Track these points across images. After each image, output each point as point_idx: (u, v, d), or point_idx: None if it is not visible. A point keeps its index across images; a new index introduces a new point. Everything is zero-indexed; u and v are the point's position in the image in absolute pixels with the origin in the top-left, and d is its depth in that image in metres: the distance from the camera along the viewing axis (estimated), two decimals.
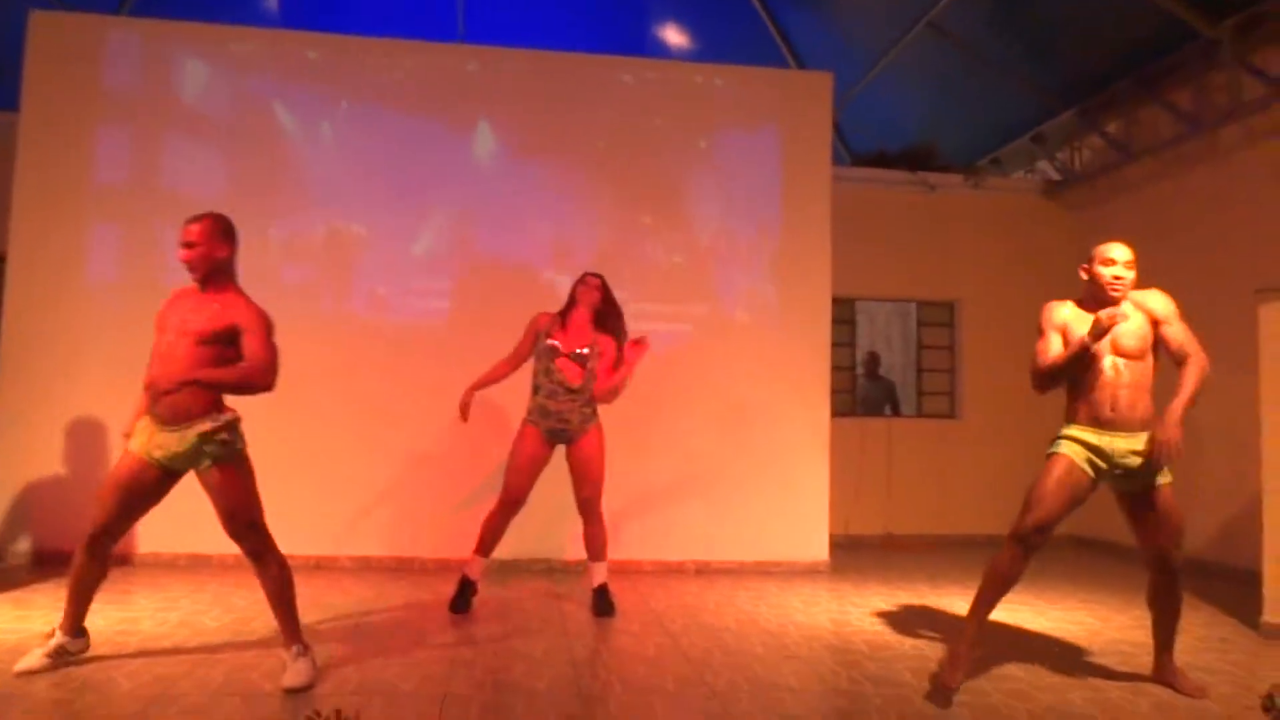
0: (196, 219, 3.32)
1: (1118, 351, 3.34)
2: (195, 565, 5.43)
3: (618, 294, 4.72)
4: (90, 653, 3.47)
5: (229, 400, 3.33)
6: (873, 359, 8.60)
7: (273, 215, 5.80)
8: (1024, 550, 3.32)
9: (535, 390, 4.56)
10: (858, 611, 4.87)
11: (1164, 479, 3.39)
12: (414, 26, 7.07)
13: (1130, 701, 3.38)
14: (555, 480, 4.61)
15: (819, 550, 6.11)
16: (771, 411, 6.14)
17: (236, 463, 3.29)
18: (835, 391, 6.57)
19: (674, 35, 8.24)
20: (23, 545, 5.46)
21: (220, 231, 3.33)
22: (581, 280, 4.66)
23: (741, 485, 6.06)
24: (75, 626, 3.41)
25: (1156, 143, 6.87)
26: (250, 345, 3.23)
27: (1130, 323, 3.32)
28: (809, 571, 5.98)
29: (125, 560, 5.35)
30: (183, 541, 5.38)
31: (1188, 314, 3.43)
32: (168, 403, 3.21)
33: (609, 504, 4.71)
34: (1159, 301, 3.41)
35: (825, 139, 6.47)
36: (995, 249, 8.03)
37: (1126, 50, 6.61)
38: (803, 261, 6.28)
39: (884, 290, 8.24)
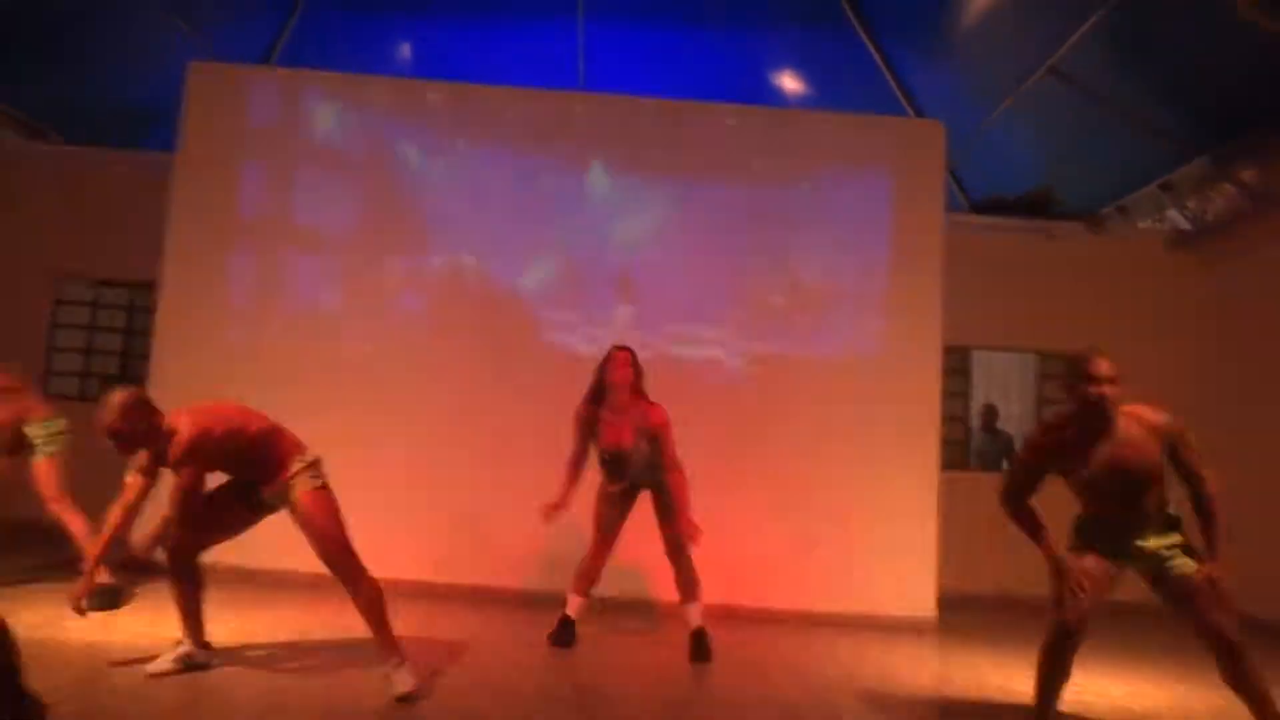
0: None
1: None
2: (310, 583, 5.63)
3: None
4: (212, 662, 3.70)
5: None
6: (990, 411, 8.29)
7: (395, 250, 6.17)
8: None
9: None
10: (963, 674, 4.69)
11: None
12: (536, 74, 7.38)
13: None
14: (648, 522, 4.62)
15: (926, 606, 5.92)
16: (878, 460, 6.00)
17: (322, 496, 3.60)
18: (948, 442, 6.37)
19: (790, 83, 8.33)
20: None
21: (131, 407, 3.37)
22: (609, 358, 4.51)
23: (846, 533, 5.93)
24: (197, 638, 3.68)
25: None
26: None
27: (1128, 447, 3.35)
28: (914, 627, 5.79)
29: (244, 577, 5.58)
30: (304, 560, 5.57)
31: None
32: None
33: (708, 545, 4.61)
34: (1157, 417, 3.43)
35: (937, 186, 6.39)
36: (1120, 301, 7.68)
37: (1263, 93, 6.29)
38: (913, 308, 6.18)
39: (1001, 340, 8.00)
